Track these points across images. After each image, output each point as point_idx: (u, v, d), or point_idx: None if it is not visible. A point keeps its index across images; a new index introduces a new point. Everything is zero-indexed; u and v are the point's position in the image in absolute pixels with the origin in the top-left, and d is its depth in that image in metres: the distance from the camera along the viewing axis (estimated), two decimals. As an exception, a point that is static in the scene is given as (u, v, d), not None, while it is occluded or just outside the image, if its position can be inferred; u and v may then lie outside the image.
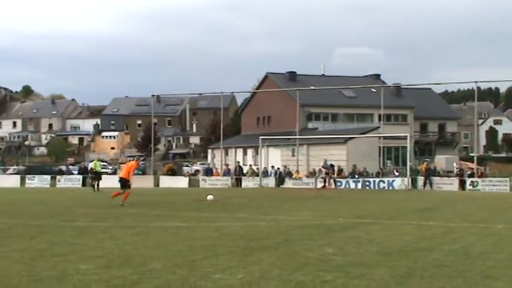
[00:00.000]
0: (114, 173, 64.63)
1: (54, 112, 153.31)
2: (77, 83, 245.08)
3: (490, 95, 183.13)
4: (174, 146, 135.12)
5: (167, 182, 51.22)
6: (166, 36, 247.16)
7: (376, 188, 45.43)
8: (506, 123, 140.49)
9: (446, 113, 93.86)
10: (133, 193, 27.72)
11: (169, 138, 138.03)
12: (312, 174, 51.30)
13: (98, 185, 42.03)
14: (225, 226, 17.75)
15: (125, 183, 26.91)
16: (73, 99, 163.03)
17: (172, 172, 57.45)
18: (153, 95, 72.07)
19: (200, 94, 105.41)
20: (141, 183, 51.45)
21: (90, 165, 47.83)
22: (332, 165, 46.94)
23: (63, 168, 65.71)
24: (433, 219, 19.78)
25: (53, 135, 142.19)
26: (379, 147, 55.85)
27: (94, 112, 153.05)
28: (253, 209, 24.60)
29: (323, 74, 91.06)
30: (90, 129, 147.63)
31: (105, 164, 75.21)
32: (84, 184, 50.72)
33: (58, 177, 53.85)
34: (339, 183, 46.90)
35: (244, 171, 54.06)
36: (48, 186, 51.44)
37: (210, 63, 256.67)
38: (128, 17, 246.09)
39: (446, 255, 12.24)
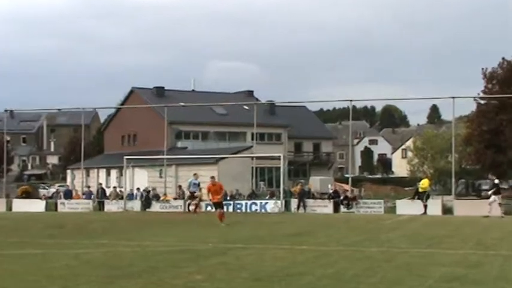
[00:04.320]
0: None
1: None
2: None
3: (366, 114, 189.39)
4: (29, 166, 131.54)
5: (21, 205, 49.76)
6: (25, 45, 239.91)
7: (248, 210, 45.93)
8: (381, 143, 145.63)
9: (321, 133, 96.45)
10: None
11: (24, 158, 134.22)
12: (180, 196, 51.23)
13: None
14: (85, 253, 17.56)
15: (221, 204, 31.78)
16: None
17: (28, 195, 55.82)
18: (6, 110, 70.14)
19: (59, 110, 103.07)
20: (-8, 207, 49.90)
21: None
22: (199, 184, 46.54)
23: None
24: (306, 243, 20.31)
25: None
26: (252, 167, 56.58)
27: None
28: (117, 235, 24.39)
29: (193, 90, 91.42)
30: None
31: None
32: None
33: None
34: (209, 207, 47.06)
35: (107, 194, 53.35)
36: None
37: (72, 75, 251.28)
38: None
39: (319, 279, 12.67)
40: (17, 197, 55.06)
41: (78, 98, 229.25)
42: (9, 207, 49.96)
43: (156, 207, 48.31)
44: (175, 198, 50.65)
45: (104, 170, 76.80)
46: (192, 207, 43.24)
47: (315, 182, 63.93)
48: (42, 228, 28.23)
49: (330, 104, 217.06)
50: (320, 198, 49.39)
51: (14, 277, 12.91)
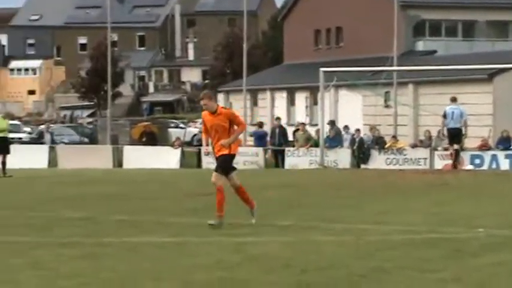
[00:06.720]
0: (39, 140, 64.86)
1: None
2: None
3: None
4: (151, 88, 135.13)
5: (139, 157, 51.42)
6: None
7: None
8: None
9: None
10: (65, 179, 27.90)
11: (143, 73, 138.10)
12: (424, 141, 51.20)
13: (3, 163, 42.29)
14: (252, 243, 17.79)
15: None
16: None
17: (150, 138, 57.61)
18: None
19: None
20: (90, 159, 51.78)
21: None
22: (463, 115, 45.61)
23: None
24: None
25: None
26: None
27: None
28: (308, 211, 24.66)
29: None
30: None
31: (16, 123, 75.73)
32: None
33: None
34: (477, 160, 46.81)
35: (291, 137, 54.10)
36: None
37: None
38: None
39: None
40: (131, 143, 56.93)
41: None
42: (118, 162, 51.59)
43: (379, 161, 48.64)
44: (414, 146, 50.73)
45: (284, 93, 77.83)
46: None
47: None
48: (176, 199, 29.01)
49: None
50: None
51: (126, 285, 13.26)
